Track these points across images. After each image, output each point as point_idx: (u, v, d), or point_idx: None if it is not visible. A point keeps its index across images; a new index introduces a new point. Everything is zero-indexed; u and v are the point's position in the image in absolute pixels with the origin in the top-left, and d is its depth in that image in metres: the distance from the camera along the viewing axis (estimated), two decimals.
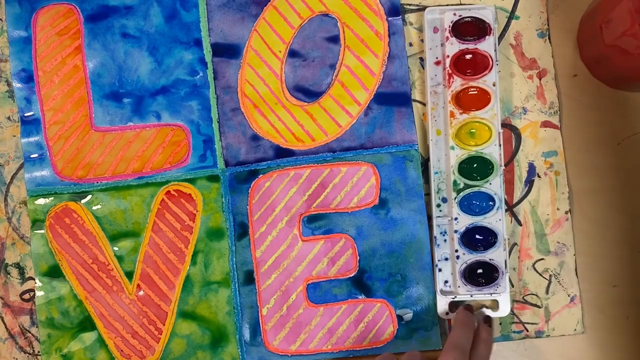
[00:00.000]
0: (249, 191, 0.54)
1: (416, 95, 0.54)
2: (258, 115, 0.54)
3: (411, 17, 0.54)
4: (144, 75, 0.54)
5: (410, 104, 0.53)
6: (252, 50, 0.54)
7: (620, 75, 0.51)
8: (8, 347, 0.54)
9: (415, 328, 0.52)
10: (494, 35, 0.51)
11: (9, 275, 0.54)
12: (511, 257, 0.53)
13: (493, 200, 0.51)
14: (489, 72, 0.51)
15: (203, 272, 0.53)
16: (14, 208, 0.54)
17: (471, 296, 0.51)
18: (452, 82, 0.51)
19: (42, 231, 0.54)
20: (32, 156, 0.54)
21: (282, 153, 0.54)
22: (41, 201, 0.54)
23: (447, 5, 0.54)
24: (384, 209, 0.53)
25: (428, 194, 0.53)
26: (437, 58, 0.53)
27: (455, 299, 0.51)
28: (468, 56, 0.51)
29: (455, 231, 0.51)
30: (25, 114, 0.54)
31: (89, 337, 0.53)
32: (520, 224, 0.53)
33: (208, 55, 0.54)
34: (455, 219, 0.51)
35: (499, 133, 0.51)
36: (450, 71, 0.51)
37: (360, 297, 0.53)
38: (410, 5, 0.54)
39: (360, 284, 0.53)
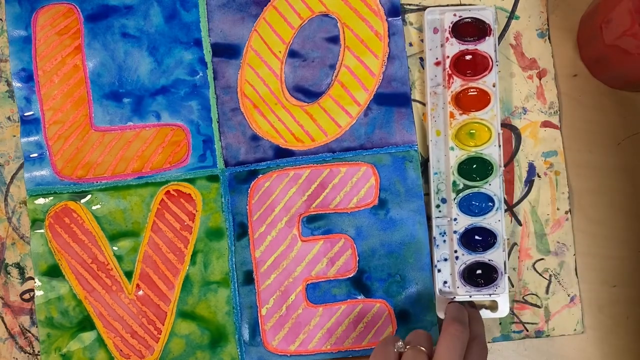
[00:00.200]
0: (249, 191, 0.54)
1: (416, 95, 0.54)
2: (258, 116, 0.54)
3: (411, 17, 0.54)
4: (144, 75, 0.54)
5: (410, 104, 0.53)
6: (252, 50, 0.54)
7: (620, 75, 0.51)
8: (8, 347, 0.54)
9: (415, 328, 0.52)
10: (494, 36, 0.51)
11: (9, 275, 0.54)
12: (511, 257, 0.53)
13: (492, 201, 0.51)
14: (488, 72, 0.51)
15: (202, 272, 0.53)
16: (14, 208, 0.54)
17: (470, 297, 0.51)
18: (452, 82, 0.51)
19: (42, 231, 0.54)
20: (31, 156, 0.54)
21: (281, 153, 0.54)
22: (41, 201, 0.54)
23: (447, 5, 0.54)
24: (383, 209, 0.53)
25: (427, 194, 0.53)
26: (437, 59, 0.53)
27: (455, 300, 0.51)
28: (468, 57, 0.51)
29: (455, 232, 0.51)
30: (25, 114, 0.54)
31: (88, 336, 0.53)
32: (520, 223, 0.53)
33: (208, 55, 0.54)
34: (455, 219, 0.51)
35: (499, 134, 0.51)
36: (450, 72, 0.51)
37: (359, 297, 0.53)
38: (410, 5, 0.54)
39: (360, 284, 0.53)
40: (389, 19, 0.54)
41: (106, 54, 0.54)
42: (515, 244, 0.53)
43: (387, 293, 0.52)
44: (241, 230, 0.53)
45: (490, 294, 0.51)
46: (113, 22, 0.54)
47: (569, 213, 0.53)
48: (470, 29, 0.52)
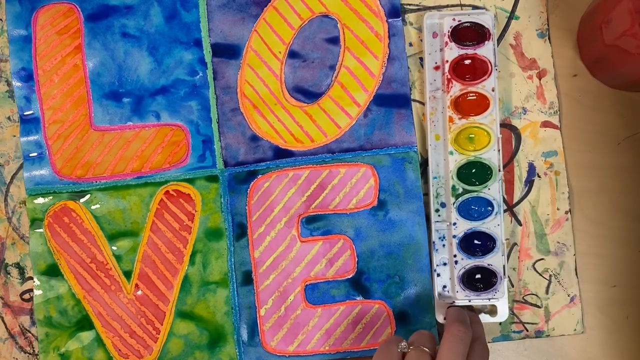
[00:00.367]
0: (248, 191, 0.54)
1: (416, 95, 0.54)
2: (257, 116, 0.54)
3: (411, 17, 0.54)
4: (144, 75, 0.54)
5: (409, 105, 0.53)
6: (252, 50, 0.54)
7: (620, 75, 0.51)
8: (8, 347, 0.54)
9: (413, 330, 0.52)
10: (493, 41, 0.51)
11: (9, 275, 0.54)
12: (511, 257, 0.53)
13: (492, 205, 0.51)
14: (488, 77, 0.51)
15: (201, 272, 0.53)
16: (14, 208, 0.55)
17: (469, 301, 0.51)
18: (451, 87, 0.51)
19: (41, 230, 0.54)
20: (31, 155, 0.54)
21: (281, 154, 0.54)
22: (40, 200, 0.54)
23: (447, 5, 0.54)
24: (382, 210, 0.53)
25: (427, 194, 0.53)
26: (436, 63, 0.53)
27: (454, 304, 0.51)
28: (467, 61, 0.51)
29: (454, 236, 0.51)
30: (25, 113, 0.54)
31: (86, 336, 0.53)
32: (520, 224, 0.53)
33: (208, 56, 0.54)
34: (454, 224, 0.51)
35: (498, 138, 0.51)
36: (449, 76, 0.51)
37: (358, 298, 0.52)
38: (410, 5, 0.54)
39: (359, 285, 0.53)
40: (389, 20, 0.54)
41: (106, 53, 0.54)
42: (515, 244, 0.53)
43: (386, 294, 0.52)
44: (240, 231, 0.53)
45: (489, 299, 0.50)
46: (113, 21, 0.54)
47: (569, 213, 0.52)
48: (469, 34, 0.51)
